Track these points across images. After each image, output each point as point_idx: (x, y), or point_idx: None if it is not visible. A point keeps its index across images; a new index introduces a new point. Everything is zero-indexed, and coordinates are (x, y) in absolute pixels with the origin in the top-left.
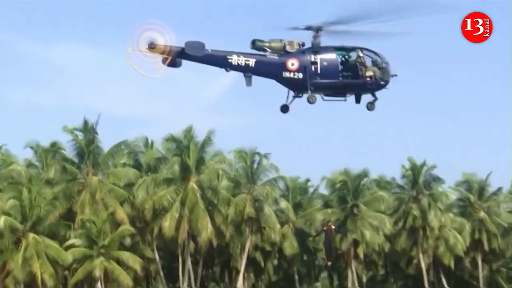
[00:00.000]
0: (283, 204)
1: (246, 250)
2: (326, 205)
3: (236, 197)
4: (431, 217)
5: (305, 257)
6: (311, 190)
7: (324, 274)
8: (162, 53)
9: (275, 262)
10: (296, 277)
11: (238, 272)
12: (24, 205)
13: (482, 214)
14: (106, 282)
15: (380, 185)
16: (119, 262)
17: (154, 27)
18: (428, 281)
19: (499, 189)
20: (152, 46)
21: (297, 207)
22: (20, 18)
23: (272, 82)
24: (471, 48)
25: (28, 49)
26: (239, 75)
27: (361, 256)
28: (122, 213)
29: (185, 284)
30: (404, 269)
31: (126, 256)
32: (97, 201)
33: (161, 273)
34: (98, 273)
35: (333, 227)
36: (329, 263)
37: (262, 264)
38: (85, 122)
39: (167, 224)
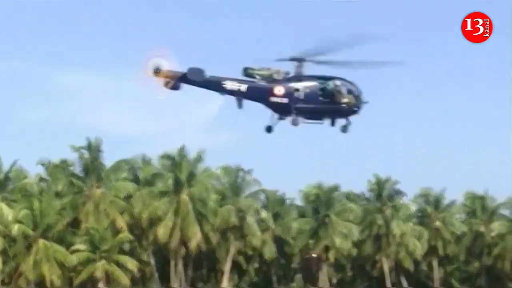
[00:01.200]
0: (264, 214)
1: (231, 254)
2: (301, 215)
3: (222, 208)
4: (394, 226)
5: (282, 261)
6: (288, 202)
7: (298, 276)
8: (166, 77)
9: (256, 265)
10: (274, 278)
11: (223, 273)
12: (35, 214)
13: (438, 223)
14: (107, 282)
15: (349, 197)
16: (119, 264)
17: (160, 54)
18: (390, 282)
19: (453, 202)
20: (157, 71)
21: (276, 216)
22: (35, 46)
23: (259, 106)
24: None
25: (41, 75)
26: (230, 98)
27: (332, 260)
28: (121, 222)
29: (176, 284)
30: (369, 272)
31: (124, 259)
32: (99, 211)
33: (155, 275)
34: (100, 274)
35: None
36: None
37: (245, 266)
38: (89, 142)
39: (162, 231)
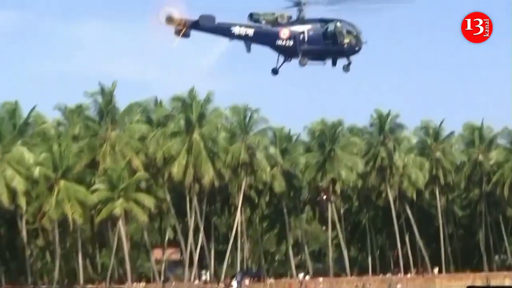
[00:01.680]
0: (272, 150)
1: (242, 189)
2: (308, 150)
3: (232, 145)
4: (396, 157)
5: (291, 194)
6: (294, 138)
7: (308, 207)
8: (178, 25)
9: (267, 198)
10: (285, 210)
11: (236, 207)
12: (55, 157)
13: (438, 154)
14: (126, 219)
15: (353, 132)
16: (136, 202)
17: (171, 3)
18: (395, 210)
19: (452, 133)
20: (170, 19)
21: (283, 152)
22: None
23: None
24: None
25: (52, 26)
26: (234, 44)
27: (338, 191)
28: (137, 162)
29: (192, 218)
30: (374, 202)
31: (142, 197)
32: (116, 152)
33: (172, 210)
34: (119, 212)
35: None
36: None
37: (256, 200)
38: (102, 87)
39: (176, 169)
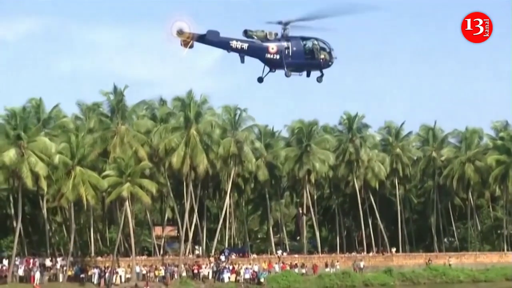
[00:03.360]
0: (257, 144)
1: (231, 177)
2: (288, 145)
3: (224, 139)
4: (362, 153)
5: (273, 182)
6: (276, 134)
7: (286, 193)
8: (187, 37)
9: (252, 185)
10: (267, 195)
11: (225, 192)
12: (72, 146)
13: (398, 150)
14: (132, 200)
15: (326, 130)
16: (141, 186)
17: (182, 19)
18: (360, 198)
19: (410, 133)
20: (180, 32)
21: (267, 146)
22: (65, 4)
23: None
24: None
25: (70, 31)
26: (224, 53)
27: (313, 180)
28: (142, 152)
29: (188, 201)
30: (343, 190)
31: (145, 182)
32: (124, 143)
33: (171, 194)
34: (126, 194)
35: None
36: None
37: (243, 187)
38: (115, 87)
39: (175, 159)
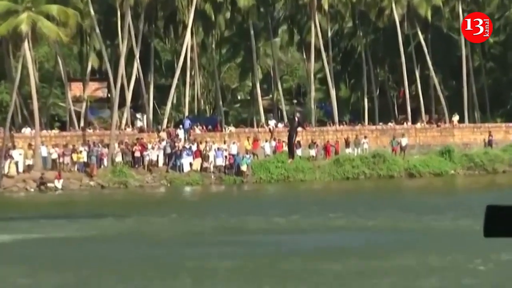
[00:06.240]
0: None
1: (194, 1)
2: None
3: None
4: None
5: (261, 9)
6: None
7: (284, 27)
8: None
9: (228, 15)
10: (252, 32)
11: (185, 26)
12: None
13: None
14: (33, 40)
15: None
16: (48, 17)
17: None
18: (402, 35)
19: None
20: None
21: None
22: None
23: None
24: None
25: None
26: None
27: (326, 7)
28: None
29: (125, 42)
30: (374, 22)
31: (56, 10)
32: None
33: (97, 29)
34: (25, 29)
35: (296, 118)
36: (290, 160)
37: (213, 17)
38: None
39: None
